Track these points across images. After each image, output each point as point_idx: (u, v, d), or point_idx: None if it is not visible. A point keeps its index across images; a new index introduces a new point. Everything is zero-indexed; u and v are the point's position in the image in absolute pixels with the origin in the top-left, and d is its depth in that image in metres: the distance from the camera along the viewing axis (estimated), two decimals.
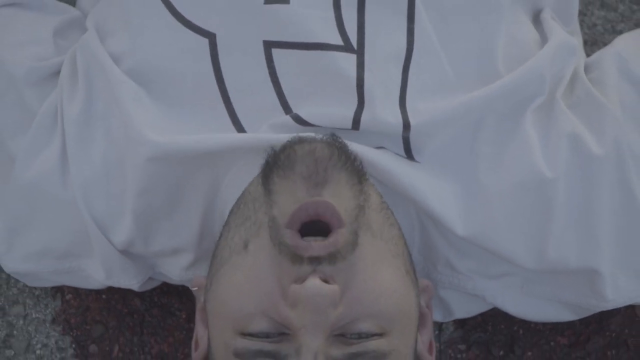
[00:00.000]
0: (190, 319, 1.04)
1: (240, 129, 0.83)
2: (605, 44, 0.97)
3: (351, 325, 0.70)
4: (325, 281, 0.68)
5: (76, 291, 1.05)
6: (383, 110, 0.80)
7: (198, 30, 0.84)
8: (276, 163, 0.71)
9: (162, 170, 0.83)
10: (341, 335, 0.70)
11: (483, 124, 0.83)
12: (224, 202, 0.83)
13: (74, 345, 1.04)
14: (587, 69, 0.91)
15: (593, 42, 1.13)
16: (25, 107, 0.90)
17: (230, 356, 0.71)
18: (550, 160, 0.82)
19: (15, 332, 1.05)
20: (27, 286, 1.05)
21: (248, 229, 0.73)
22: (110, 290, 0.99)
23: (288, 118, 0.81)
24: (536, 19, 0.92)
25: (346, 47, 0.82)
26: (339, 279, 0.69)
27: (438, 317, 0.96)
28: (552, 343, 1.03)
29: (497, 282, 0.89)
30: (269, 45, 0.83)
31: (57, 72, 0.90)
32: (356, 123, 0.80)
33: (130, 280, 0.92)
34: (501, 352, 1.03)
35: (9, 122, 0.90)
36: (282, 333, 0.70)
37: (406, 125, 0.80)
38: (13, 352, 1.05)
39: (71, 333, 1.05)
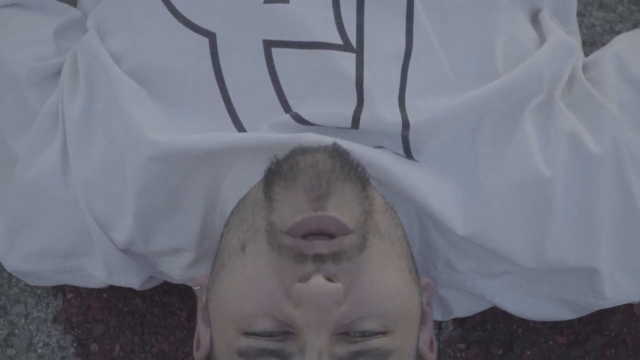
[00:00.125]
0: (191, 318, 1.04)
1: (240, 128, 0.83)
2: (603, 45, 0.97)
3: (355, 324, 0.70)
4: (329, 280, 0.68)
5: (77, 290, 1.05)
6: (382, 109, 0.80)
7: (198, 29, 0.84)
8: (278, 172, 0.71)
9: (162, 170, 0.83)
10: (345, 333, 0.70)
11: (482, 123, 0.83)
12: (225, 201, 0.83)
13: (75, 344, 1.04)
14: (585, 68, 0.91)
15: (592, 43, 1.13)
16: (26, 107, 0.90)
17: (233, 355, 0.71)
18: (549, 159, 0.82)
19: (16, 331, 1.05)
20: (28, 285, 1.06)
21: (245, 231, 0.73)
22: (111, 289, 0.99)
23: (288, 117, 0.81)
24: (534, 19, 0.92)
25: (346, 47, 0.82)
26: (343, 278, 0.69)
27: (438, 316, 0.96)
28: (551, 342, 1.03)
29: (496, 281, 0.89)
30: (268, 45, 0.83)
31: (58, 72, 0.90)
32: (355, 122, 0.80)
33: (131, 279, 0.92)
34: (500, 351, 1.03)
35: (10, 122, 0.90)
36: (286, 332, 0.70)
37: (405, 125, 0.80)
38: (14, 351, 1.05)
39: (72, 332, 1.05)
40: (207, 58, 0.84)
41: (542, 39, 0.89)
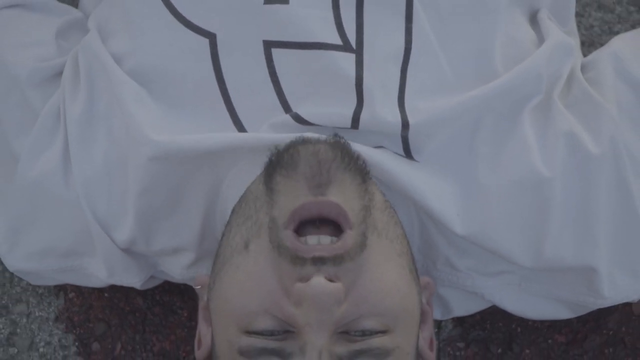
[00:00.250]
0: (192, 317, 1.04)
1: (241, 128, 0.83)
2: (602, 45, 0.97)
3: (355, 323, 0.70)
4: (330, 280, 0.68)
5: (79, 289, 1.05)
6: (382, 109, 0.80)
7: (198, 30, 0.84)
8: (279, 162, 0.71)
9: (163, 170, 0.83)
10: (345, 332, 0.70)
11: (481, 123, 0.83)
12: (225, 201, 0.83)
13: (76, 343, 1.04)
14: (583, 69, 0.91)
15: (590, 44, 1.13)
16: (28, 107, 0.90)
17: (234, 354, 0.72)
18: (548, 159, 0.82)
19: (18, 330, 1.06)
20: (30, 284, 1.06)
21: (249, 228, 0.73)
22: (113, 288, 0.99)
23: (288, 117, 0.81)
24: (533, 19, 0.92)
25: (345, 47, 0.82)
26: (344, 278, 0.69)
27: (437, 315, 0.96)
28: (549, 341, 1.03)
29: (495, 280, 0.89)
30: (268, 45, 0.83)
31: (60, 73, 0.90)
32: (355, 122, 0.80)
33: (132, 278, 0.92)
34: (499, 350, 1.03)
35: (12, 122, 0.90)
36: (286, 331, 0.70)
37: (405, 124, 0.80)
38: (16, 350, 1.05)
39: (74, 331, 1.05)
40: (208, 59, 0.84)
41: (540, 39, 0.89)
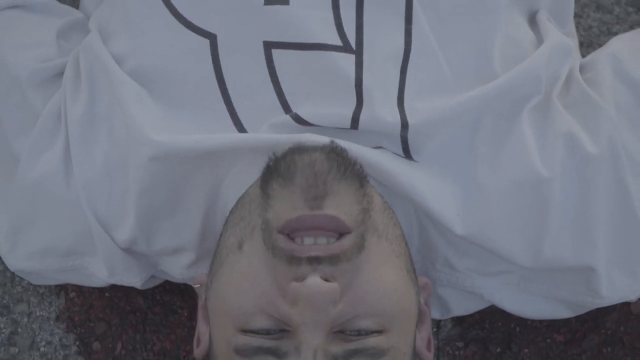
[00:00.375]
0: (192, 316, 1.04)
1: (241, 129, 0.83)
2: (600, 46, 0.97)
3: (351, 323, 0.70)
4: (326, 279, 0.69)
5: (80, 289, 1.05)
6: (381, 110, 0.80)
7: (199, 31, 0.84)
8: (276, 170, 0.71)
9: (163, 170, 0.83)
10: (340, 332, 0.70)
11: (480, 123, 0.83)
12: (225, 202, 0.83)
13: (77, 343, 1.05)
14: (582, 69, 0.91)
15: (589, 44, 1.13)
16: (29, 108, 0.90)
17: (231, 353, 0.72)
18: (547, 159, 0.82)
19: (19, 329, 1.06)
20: (31, 284, 1.06)
21: (242, 229, 0.74)
22: (113, 288, 1.00)
23: (288, 118, 0.81)
24: (532, 20, 0.92)
25: (345, 48, 0.82)
26: (340, 278, 0.70)
27: (436, 314, 0.96)
28: (548, 340, 1.03)
29: (494, 280, 0.89)
30: (269, 46, 0.83)
31: (60, 74, 0.90)
32: (355, 122, 0.80)
33: (132, 278, 0.92)
34: (498, 349, 1.03)
35: (13, 123, 0.90)
36: (282, 330, 0.70)
37: (404, 125, 0.81)
38: (17, 350, 1.05)
39: (75, 330, 1.05)
40: (208, 59, 0.84)
41: (539, 40, 0.89)
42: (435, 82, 0.84)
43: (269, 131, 0.81)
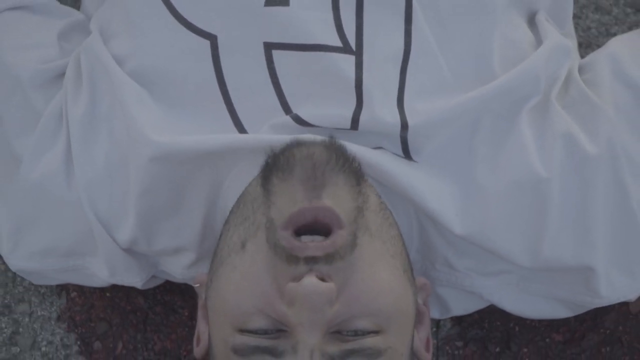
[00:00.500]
0: (193, 316, 1.04)
1: (241, 129, 0.83)
2: (599, 47, 0.97)
3: (348, 323, 0.70)
4: (322, 279, 0.69)
5: (81, 289, 1.05)
6: (381, 110, 0.80)
7: (199, 32, 0.84)
8: (276, 165, 0.71)
9: (164, 170, 0.83)
10: (337, 332, 0.70)
11: (480, 124, 0.83)
12: (226, 202, 0.83)
13: (78, 342, 1.05)
14: (581, 70, 0.91)
15: (587, 45, 1.13)
16: (30, 108, 0.90)
17: (229, 352, 0.72)
18: (546, 160, 0.82)
19: (21, 329, 1.06)
20: (32, 284, 1.06)
21: (247, 229, 0.74)
22: (114, 288, 1.00)
23: (288, 118, 0.81)
24: (531, 21, 0.92)
25: (345, 49, 0.82)
26: (336, 278, 0.70)
27: (436, 314, 0.96)
28: (547, 340, 1.03)
29: (494, 280, 0.90)
30: (269, 47, 0.83)
31: (62, 75, 0.90)
32: (355, 123, 0.80)
33: (133, 278, 0.92)
34: (497, 349, 1.03)
35: (15, 124, 0.90)
36: (279, 330, 0.70)
37: (404, 125, 0.81)
38: (19, 349, 1.05)
39: (76, 330, 1.05)
40: (209, 60, 0.84)
41: (538, 41, 0.89)
42: (435, 83, 0.84)
43: (269, 132, 0.81)
